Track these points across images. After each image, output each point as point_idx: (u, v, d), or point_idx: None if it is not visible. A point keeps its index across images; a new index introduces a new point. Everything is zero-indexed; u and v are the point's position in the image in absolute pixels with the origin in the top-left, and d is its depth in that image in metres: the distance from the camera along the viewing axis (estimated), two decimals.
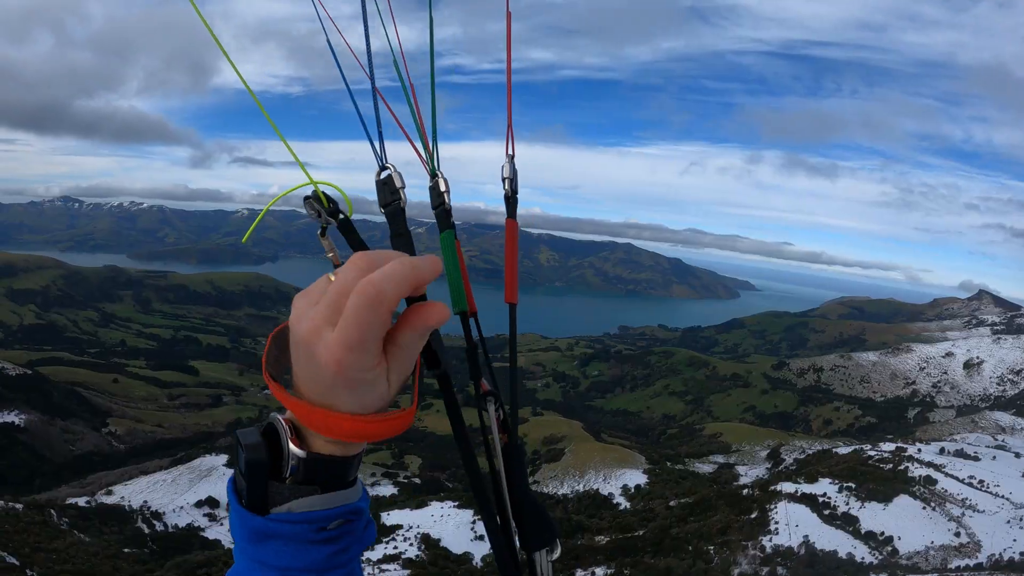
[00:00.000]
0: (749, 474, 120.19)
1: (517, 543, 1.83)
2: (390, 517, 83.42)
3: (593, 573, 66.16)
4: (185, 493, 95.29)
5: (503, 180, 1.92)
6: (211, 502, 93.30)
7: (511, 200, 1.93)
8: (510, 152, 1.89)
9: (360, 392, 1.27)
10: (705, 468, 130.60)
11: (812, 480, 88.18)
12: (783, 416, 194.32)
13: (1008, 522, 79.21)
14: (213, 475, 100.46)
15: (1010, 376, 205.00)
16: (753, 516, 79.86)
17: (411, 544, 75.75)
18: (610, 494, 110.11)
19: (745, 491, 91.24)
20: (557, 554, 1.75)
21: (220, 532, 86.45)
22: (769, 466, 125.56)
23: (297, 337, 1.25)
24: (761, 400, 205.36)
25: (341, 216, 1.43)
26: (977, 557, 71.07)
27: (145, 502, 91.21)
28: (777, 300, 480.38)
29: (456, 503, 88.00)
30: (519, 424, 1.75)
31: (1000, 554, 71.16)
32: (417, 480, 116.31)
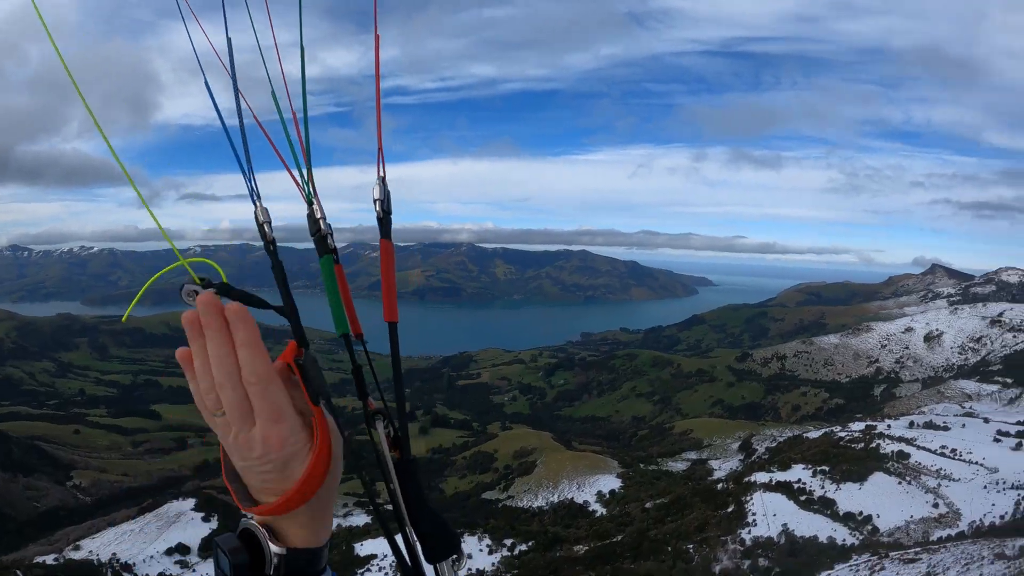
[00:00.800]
0: (723, 468, 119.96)
1: (421, 556, 1.88)
2: (363, 548, 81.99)
3: None
4: (154, 542, 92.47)
5: (375, 202, 1.90)
6: (181, 548, 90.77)
7: (384, 221, 1.94)
8: (381, 174, 1.85)
9: (303, 450, 1.46)
10: (679, 466, 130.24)
11: (785, 467, 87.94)
12: (751, 407, 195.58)
13: (985, 487, 79.03)
14: (181, 520, 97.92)
15: (971, 344, 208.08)
16: (730, 510, 79.31)
17: (386, 574, 73.81)
18: (585, 502, 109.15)
19: (720, 486, 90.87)
20: (464, 564, 1.73)
21: None
22: (742, 458, 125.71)
23: (241, 460, 1.45)
24: (728, 393, 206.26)
25: (216, 283, 1.50)
26: (958, 526, 70.64)
27: (114, 554, 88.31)
28: (735, 293, 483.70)
29: None
30: (410, 439, 1.89)
31: (981, 520, 70.78)
32: (390, 506, 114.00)
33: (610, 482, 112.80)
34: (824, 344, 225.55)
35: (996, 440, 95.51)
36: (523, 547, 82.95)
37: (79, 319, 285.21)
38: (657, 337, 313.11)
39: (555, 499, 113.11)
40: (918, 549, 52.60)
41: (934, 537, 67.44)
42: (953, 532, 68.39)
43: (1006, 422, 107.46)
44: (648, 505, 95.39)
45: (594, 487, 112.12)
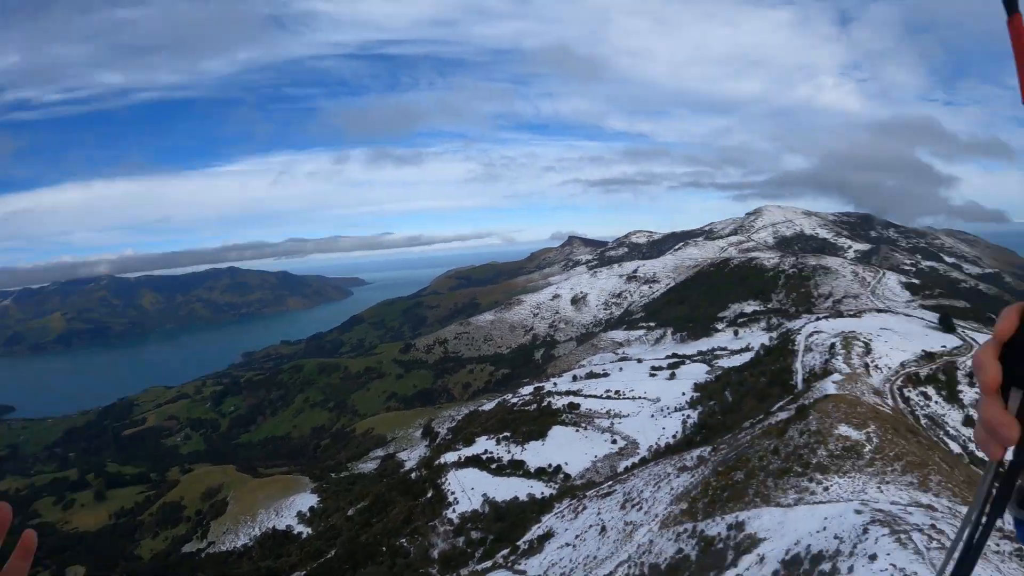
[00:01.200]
0: (412, 457, 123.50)
1: None
2: None
3: None
4: None
5: None
6: None
7: None
8: None
9: None
10: (370, 466, 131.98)
11: (470, 442, 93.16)
12: (424, 393, 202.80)
13: (652, 416, 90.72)
14: None
15: (613, 300, 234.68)
16: (430, 496, 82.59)
17: None
18: (288, 526, 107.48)
19: (414, 475, 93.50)
20: None
21: None
22: (427, 443, 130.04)
23: None
24: (399, 385, 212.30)
25: None
26: (639, 453, 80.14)
27: None
28: (389, 288, 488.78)
29: None
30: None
31: (657, 443, 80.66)
32: None
33: (307, 500, 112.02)
34: (481, 323, 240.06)
35: (652, 375, 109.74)
36: None
37: None
38: (320, 344, 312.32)
39: (257, 532, 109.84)
40: (610, 483, 58.47)
41: (621, 468, 75.54)
42: (636, 459, 77.27)
43: (657, 359, 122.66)
44: (350, 512, 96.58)
45: (292, 509, 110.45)
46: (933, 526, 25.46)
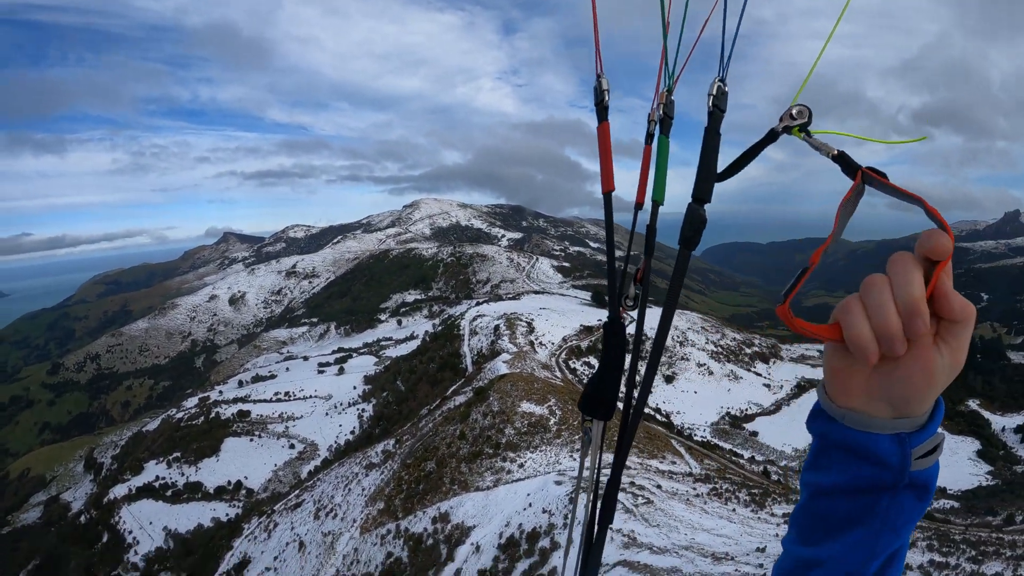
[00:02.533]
0: (78, 496, 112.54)
1: None
2: None
3: None
4: None
5: (596, 92, 1.98)
6: None
7: (601, 108, 1.97)
8: (599, 71, 1.94)
9: None
10: (32, 515, 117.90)
11: (138, 470, 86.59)
12: (82, 418, 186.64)
13: (327, 414, 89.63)
14: None
15: (273, 298, 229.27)
16: (105, 540, 75.00)
17: None
18: None
19: (83, 518, 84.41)
20: None
21: None
22: (92, 478, 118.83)
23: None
24: (52, 413, 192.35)
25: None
26: (319, 455, 78.15)
27: None
28: (30, 300, 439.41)
29: None
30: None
31: (336, 441, 78.78)
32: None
33: None
34: (135, 332, 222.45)
35: (320, 372, 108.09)
36: None
37: None
38: None
39: None
40: (297, 491, 55.93)
41: (304, 474, 73.00)
42: (319, 462, 75.10)
43: (323, 354, 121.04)
44: None
45: None
46: (632, 483, 26.23)
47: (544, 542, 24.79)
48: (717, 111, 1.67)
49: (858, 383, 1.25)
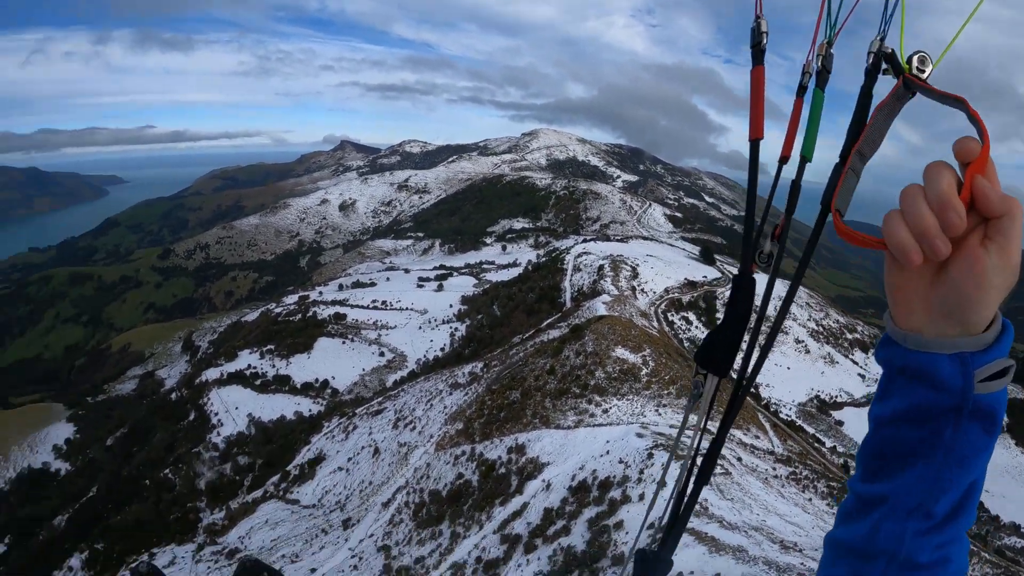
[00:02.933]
0: (172, 374, 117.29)
1: None
2: None
3: (70, 568, 58.87)
4: None
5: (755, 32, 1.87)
6: None
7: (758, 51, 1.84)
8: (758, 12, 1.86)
9: None
10: (128, 387, 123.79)
11: (232, 357, 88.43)
12: (186, 303, 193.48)
13: (420, 328, 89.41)
14: None
15: (382, 208, 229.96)
16: (192, 419, 77.34)
17: None
18: (45, 463, 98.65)
19: (174, 395, 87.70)
20: None
21: None
22: (188, 359, 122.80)
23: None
24: (158, 295, 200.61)
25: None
26: (407, 366, 78.46)
27: None
28: (148, 188, 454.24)
29: None
30: None
31: (424, 356, 79.19)
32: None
33: (63, 431, 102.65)
34: (245, 227, 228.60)
35: (419, 286, 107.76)
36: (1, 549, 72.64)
37: None
38: (72, 251, 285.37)
39: (12, 473, 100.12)
40: (380, 399, 56.30)
41: (390, 382, 73.70)
42: (405, 373, 75.64)
43: (424, 269, 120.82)
44: (110, 442, 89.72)
45: (48, 443, 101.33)
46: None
47: (615, 493, 23.97)
48: (875, 70, 1.55)
49: (917, 300, 1.22)
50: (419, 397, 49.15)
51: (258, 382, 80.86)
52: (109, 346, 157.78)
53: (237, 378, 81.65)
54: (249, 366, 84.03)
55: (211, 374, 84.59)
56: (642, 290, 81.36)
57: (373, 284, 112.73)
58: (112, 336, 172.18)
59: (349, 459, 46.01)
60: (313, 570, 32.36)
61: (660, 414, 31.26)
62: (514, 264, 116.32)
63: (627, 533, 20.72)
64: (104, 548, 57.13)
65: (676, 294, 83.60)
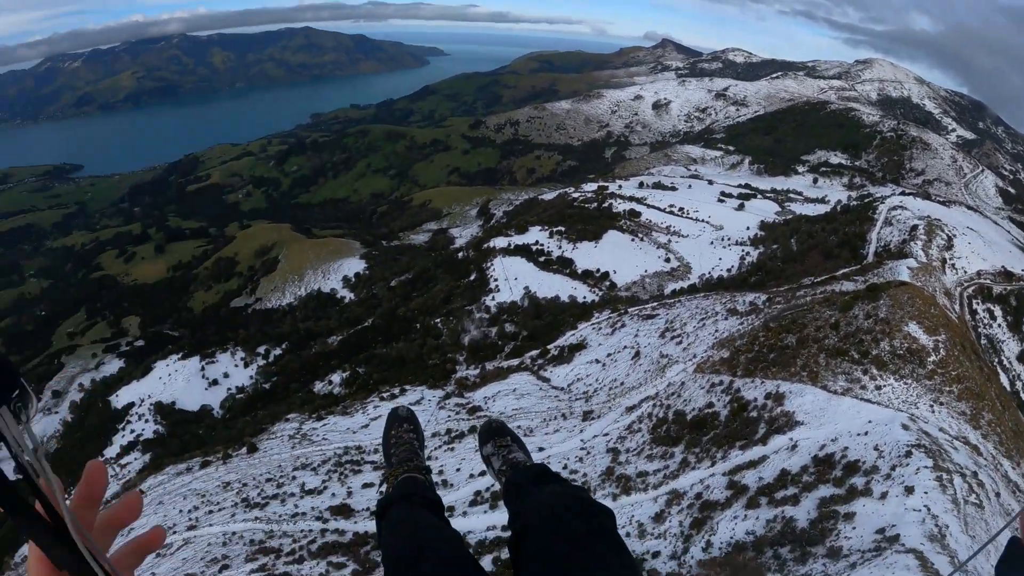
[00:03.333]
0: (463, 235, 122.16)
1: None
2: (119, 398, 76.04)
3: (331, 382, 64.41)
4: None
5: None
6: None
7: None
8: None
9: None
10: (421, 238, 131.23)
11: (523, 230, 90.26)
12: (487, 172, 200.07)
13: (712, 243, 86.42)
14: None
15: (696, 114, 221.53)
16: (472, 278, 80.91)
17: (147, 420, 69.59)
18: (332, 290, 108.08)
19: (460, 254, 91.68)
20: (33, 406, 1.22)
21: None
22: (481, 223, 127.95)
23: None
24: (464, 160, 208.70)
25: None
26: (689, 278, 77.05)
27: None
28: (468, 62, 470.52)
29: (180, 354, 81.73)
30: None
31: (709, 272, 77.16)
32: (141, 342, 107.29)
33: (354, 265, 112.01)
34: (556, 110, 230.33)
35: (720, 200, 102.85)
36: (278, 351, 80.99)
37: None
38: (390, 111, 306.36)
39: (303, 292, 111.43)
40: (655, 304, 55.48)
41: (668, 289, 72.81)
42: (686, 284, 74.07)
43: (728, 184, 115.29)
44: (394, 283, 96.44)
45: (339, 273, 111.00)
46: (975, 475, 21.97)
47: (858, 480, 21.56)
48: None
49: None
50: (693, 313, 47.40)
51: (541, 259, 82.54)
52: (411, 200, 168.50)
53: (522, 251, 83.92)
54: (537, 242, 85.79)
55: (499, 242, 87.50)
56: (952, 265, 70.93)
57: (674, 188, 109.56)
58: (415, 191, 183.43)
59: (608, 355, 45.83)
60: (541, 448, 32.64)
61: (934, 411, 27.32)
62: (822, 200, 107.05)
63: (854, 528, 18.67)
64: (364, 373, 61.96)
65: (988, 280, 71.62)
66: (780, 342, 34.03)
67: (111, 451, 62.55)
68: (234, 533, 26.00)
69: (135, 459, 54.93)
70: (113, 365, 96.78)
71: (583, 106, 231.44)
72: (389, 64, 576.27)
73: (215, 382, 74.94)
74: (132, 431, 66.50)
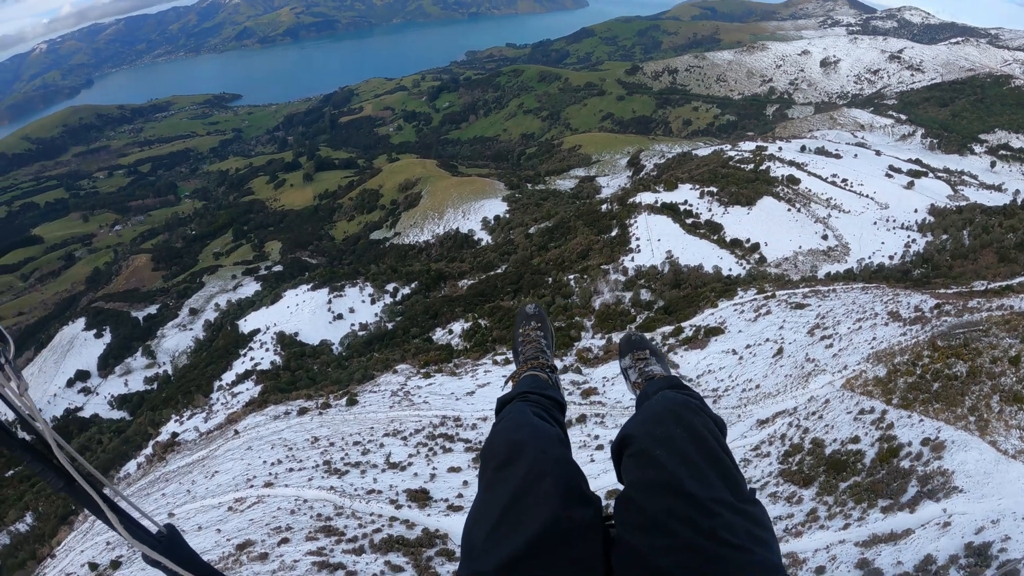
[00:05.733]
0: (611, 184, 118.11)
1: None
2: (247, 323, 77.48)
3: (451, 331, 62.20)
4: (54, 377, 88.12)
5: None
6: (81, 375, 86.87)
7: None
8: None
9: None
10: (567, 184, 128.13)
11: (672, 187, 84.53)
12: (641, 120, 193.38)
13: (875, 223, 75.74)
14: (76, 345, 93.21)
15: (867, 75, 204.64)
16: (613, 234, 76.46)
17: (267, 348, 69.59)
18: (471, 231, 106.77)
19: (604, 207, 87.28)
20: (11, 349, 1.45)
21: (96, 404, 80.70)
22: (630, 174, 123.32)
23: None
24: (618, 106, 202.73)
25: None
26: (846, 261, 68.24)
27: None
28: (627, 5, 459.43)
29: (311, 284, 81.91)
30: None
31: (869, 258, 68.40)
32: (279, 267, 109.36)
33: (495, 207, 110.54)
34: (718, 60, 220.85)
35: (888, 176, 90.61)
36: (406, 290, 79.78)
37: None
38: (545, 51, 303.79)
39: (440, 231, 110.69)
40: (807, 291, 48.42)
41: (822, 272, 65.36)
42: (841, 268, 66.17)
43: (898, 158, 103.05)
44: (532, 230, 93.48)
45: (479, 214, 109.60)
46: None
47: None
48: None
49: None
50: (849, 310, 39.69)
51: (689, 221, 76.31)
52: (560, 143, 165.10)
53: (669, 210, 78.11)
54: (686, 201, 79.59)
55: (646, 198, 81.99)
56: None
57: (838, 156, 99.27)
58: (566, 135, 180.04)
59: (747, 346, 39.29)
60: None
61: None
62: (999, 188, 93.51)
63: None
64: (485, 326, 58.98)
65: None
66: (948, 368, 27.14)
67: (228, 376, 62.69)
68: (305, 501, 23.98)
69: (246, 389, 54.11)
70: (250, 288, 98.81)
71: (746, 58, 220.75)
72: (547, 4, 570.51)
73: (339, 316, 74.49)
74: (252, 359, 66.77)
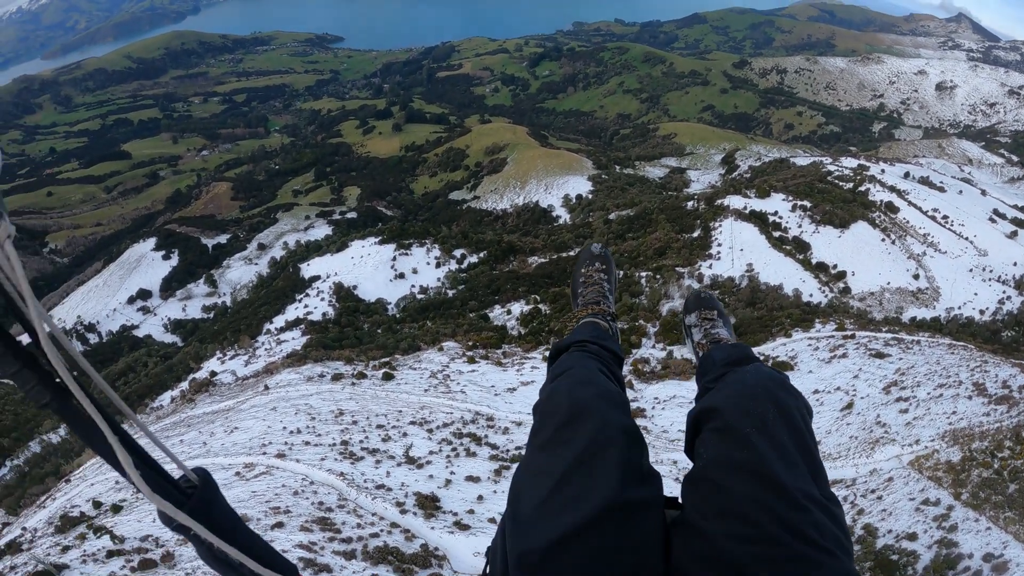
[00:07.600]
0: (701, 180, 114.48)
1: None
2: (309, 268, 76.92)
3: (509, 311, 60.36)
4: (117, 292, 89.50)
5: None
6: (143, 294, 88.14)
7: None
8: None
9: None
10: (656, 172, 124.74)
11: (764, 195, 79.66)
12: (742, 117, 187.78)
13: (971, 270, 68.31)
14: (143, 264, 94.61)
15: (983, 107, 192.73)
16: (695, 235, 72.97)
17: (323, 298, 68.56)
18: (550, 206, 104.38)
19: (690, 204, 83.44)
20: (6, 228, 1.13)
21: (152, 325, 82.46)
22: (722, 172, 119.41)
23: None
24: (720, 99, 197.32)
25: None
26: (935, 308, 62.02)
27: (78, 317, 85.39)
28: None
29: (379, 239, 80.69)
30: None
31: (959, 308, 62.33)
32: (353, 214, 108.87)
33: (579, 186, 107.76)
34: (829, 66, 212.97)
35: (991, 220, 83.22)
36: (473, 259, 77.87)
37: (36, 77, 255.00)
38: (653, 32, 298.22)
39: (520, 202, 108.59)
40: (889, 336, 43.12)
41: (907, 315, 60.42)
42: (928, 315, 60.91)
43: (1003, 201, 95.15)
44: (612, 216, 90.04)
45: (561, 190, 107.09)
46: None
47: None
48: None
49: None
50: (932, 370, 33.85)
51: (776, 234, 70.92)
52: (656, 128, 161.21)
53: (758, 219, 73.23)
54: (776, 212, 74.29)
55: (735, 201, 77.10)
56: None
57: (942, 189, 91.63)
58: (662, 120, 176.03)
59: (815, 391, 33.24)
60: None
61: None
62: None
63: None
64: (544, 313, 56.93)
65: None
66: None
67: (279, 320, 62.09)
68: (312, 483, 22.61)
69: (292, 338, 53.03)
70: (321, 231, 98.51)
71: (859, 68, 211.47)
72: None
73: (401, 276, 72.86)
74: (306, 306, 65.91)
